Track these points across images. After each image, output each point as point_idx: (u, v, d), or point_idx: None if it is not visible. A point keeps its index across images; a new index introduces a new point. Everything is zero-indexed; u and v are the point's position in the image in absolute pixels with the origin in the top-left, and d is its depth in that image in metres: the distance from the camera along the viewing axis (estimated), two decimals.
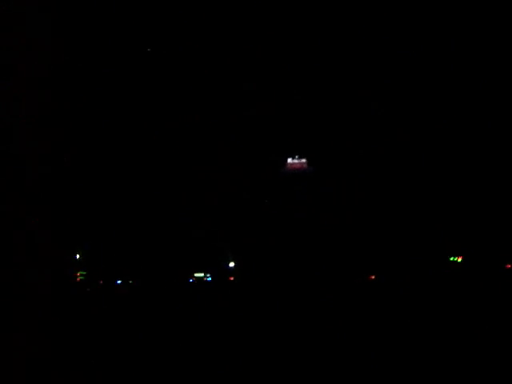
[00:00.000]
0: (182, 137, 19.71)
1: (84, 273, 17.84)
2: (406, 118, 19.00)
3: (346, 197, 19.51)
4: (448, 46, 18.50)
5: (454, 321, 14.62)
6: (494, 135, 18.59)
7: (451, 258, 17.39)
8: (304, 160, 22.30)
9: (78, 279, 17.77)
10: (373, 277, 17.23)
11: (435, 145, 18.94)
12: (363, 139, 20.03)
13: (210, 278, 18.14)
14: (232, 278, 17.85)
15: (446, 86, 18.74)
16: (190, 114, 19.72)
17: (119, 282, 17.45)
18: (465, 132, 18.77)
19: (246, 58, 19.45)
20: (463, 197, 18.60)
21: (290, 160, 22.21)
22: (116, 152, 19.32)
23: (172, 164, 19.62)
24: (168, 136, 19.62)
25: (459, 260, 17.37)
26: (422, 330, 14.33)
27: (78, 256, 18.26)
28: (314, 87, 20.25)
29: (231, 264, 18.18)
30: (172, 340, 14.69)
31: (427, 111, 18.87)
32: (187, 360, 13.74)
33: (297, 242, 18.79)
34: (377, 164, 19.44)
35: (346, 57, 19.27)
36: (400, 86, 19.13)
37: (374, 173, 19.39)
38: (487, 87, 18.33)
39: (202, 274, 18.13)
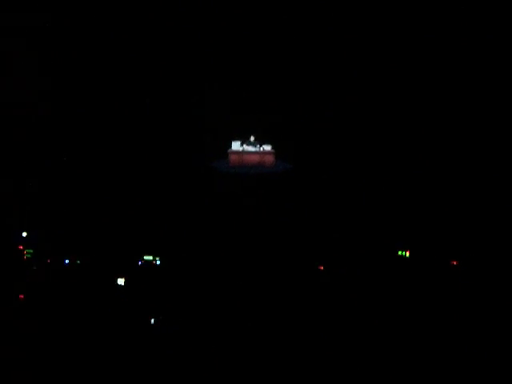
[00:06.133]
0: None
1: (31, 251, 17.62)
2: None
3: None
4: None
5: (402, 316, 14.87)
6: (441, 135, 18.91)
7: (399, 253, 17.60)
8: (268, 147, 16.40)
9: (25, 257, 17.57)
10: (322, 267, 17.35)
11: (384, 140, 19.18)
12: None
13: (159, 262, 18.02)
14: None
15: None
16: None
17: (67, 261, 17.27)
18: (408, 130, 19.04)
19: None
20: (411, 191, 18.86)
21: (234, 145, 15.80)
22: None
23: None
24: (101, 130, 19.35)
25: (407, 254, 17.60)
26: (371, 324, 14.53)
27: (25, 234, 18.03)
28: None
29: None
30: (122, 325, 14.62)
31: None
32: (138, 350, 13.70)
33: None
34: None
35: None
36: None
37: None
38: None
39: (151, 257, 18.02)
